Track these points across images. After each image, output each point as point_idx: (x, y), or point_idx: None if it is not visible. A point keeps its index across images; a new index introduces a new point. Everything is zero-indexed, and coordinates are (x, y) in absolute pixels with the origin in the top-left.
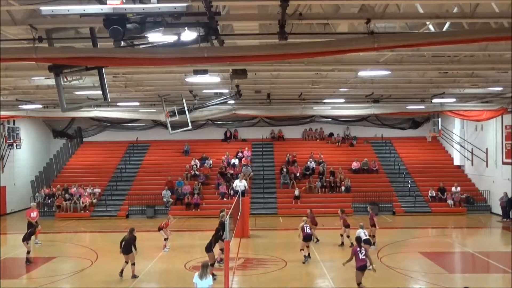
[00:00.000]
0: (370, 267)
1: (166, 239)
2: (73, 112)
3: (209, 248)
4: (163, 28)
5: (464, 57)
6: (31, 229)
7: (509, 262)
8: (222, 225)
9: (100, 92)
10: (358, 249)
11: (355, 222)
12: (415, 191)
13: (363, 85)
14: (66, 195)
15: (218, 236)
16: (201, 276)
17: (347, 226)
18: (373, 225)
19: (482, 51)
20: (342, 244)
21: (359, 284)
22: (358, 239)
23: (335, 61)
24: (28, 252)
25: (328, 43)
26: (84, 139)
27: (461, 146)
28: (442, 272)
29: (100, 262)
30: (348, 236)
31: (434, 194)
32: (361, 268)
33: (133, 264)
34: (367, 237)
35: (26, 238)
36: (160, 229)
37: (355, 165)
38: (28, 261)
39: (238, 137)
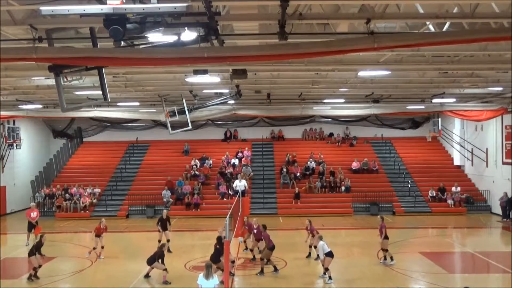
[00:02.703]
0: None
1: (102, 247)
2: (73, 112)
3: (217, 259)
4: (163, 28)
5: (464, 57)
6: (38, 243)
7: (509, 262)
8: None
9: (100, 92)
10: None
11: (355, 223)
12: (415, 191)
13: (363, 85)
14: (66, 195)
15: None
16: (206, 276)
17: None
18: (385, 237)
19: (482, 51)
20: (309, 255)
21: (268, 260)
22: (264, 226)
23: (335, 61)
24: (34, 269)
25: (328, 43)
26: (84, 139)
27: (461, 146)
28: (442, 272)
29: (100, 262)
30: (315, 247)
31: (434, 194)
32: (272, 248)
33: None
34: (330, 249)
35: (33, 253)
36: (98, 235)
37: (355, 165)
38: (33, 276)
39: (238, 137)
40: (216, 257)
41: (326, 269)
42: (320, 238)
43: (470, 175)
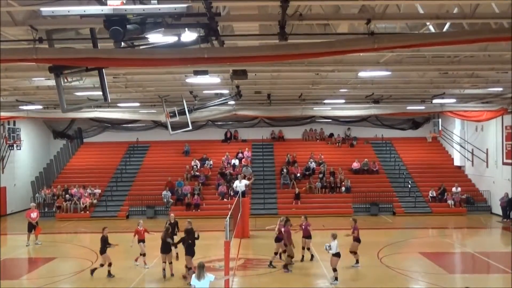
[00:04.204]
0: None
1: (144, 254)
2: (73, 113)
3: (192, 252)
4: (163, 29)
5: (464, 57)
6: (104, 236)
7: (509, 262)
8: (188, 233)
9: (100, 92)
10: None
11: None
12: (415, 191)
13: (363, 86)
14: (67, 195)
15: (188, 245)
16: (198, 277)
17: (308, 236)
18: (357, 239)
19: (482, 51)
20: (303, 259)
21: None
22: (287, 220)
23: (335, 61)
24: (110, 265)
25: (329, 44)
26: (84, 140)
27: (461, 146)
28: (442, 272)
29: (100, 262)
30: (308, 249)
31: (434, 195)
32: (275, 239)
33: (170, 263)
34: (338, 250)
35: (105, 251)
36: (143, 241)
37: (355, 165)
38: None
39: (238, 137)
40: (191, 250)
41: (334, 269)
42: (335, 237)
43: (470, 176)
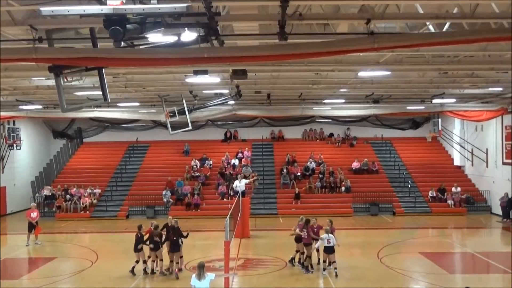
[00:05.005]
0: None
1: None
2: (73, 113)
3: (177, 248)
4: (163, 28)
5: (464, 57)
6: (139, 234)
7: (509, 262)
8: (173, 230)
9: (100, 92)
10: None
11: (355, 223)
12: (415, 191)
13: (363, 86)
14: (67, 195)
15: (172, 241)
16: (199, 277)
17: (315, 239)
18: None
19: (482, 51)
20: (319, 261)
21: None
22: (307, 221)
23: (335, 61)
24: (142, 262)
25: (328, 44)
26: (84, 140)
27: (461, 146)
28: (442, 272)
29: (100, 262)
30: (317, 250)
31: (434, 195)
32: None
33: (161, 260)
34: (332, 244)
35: (138, 250)
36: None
37: (355, 165)
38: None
39: (238, 137)
40: (176, 247)
41: (324, 261)
42: (327, 231)
43: (470, 176)
